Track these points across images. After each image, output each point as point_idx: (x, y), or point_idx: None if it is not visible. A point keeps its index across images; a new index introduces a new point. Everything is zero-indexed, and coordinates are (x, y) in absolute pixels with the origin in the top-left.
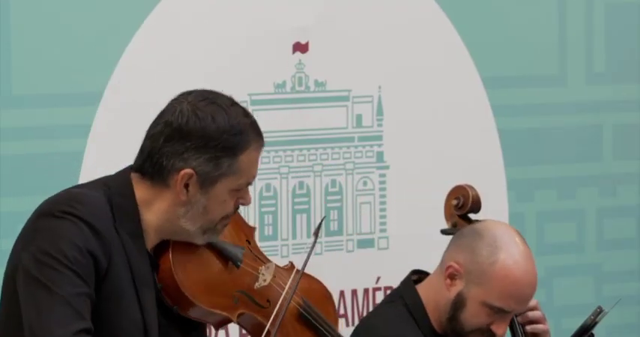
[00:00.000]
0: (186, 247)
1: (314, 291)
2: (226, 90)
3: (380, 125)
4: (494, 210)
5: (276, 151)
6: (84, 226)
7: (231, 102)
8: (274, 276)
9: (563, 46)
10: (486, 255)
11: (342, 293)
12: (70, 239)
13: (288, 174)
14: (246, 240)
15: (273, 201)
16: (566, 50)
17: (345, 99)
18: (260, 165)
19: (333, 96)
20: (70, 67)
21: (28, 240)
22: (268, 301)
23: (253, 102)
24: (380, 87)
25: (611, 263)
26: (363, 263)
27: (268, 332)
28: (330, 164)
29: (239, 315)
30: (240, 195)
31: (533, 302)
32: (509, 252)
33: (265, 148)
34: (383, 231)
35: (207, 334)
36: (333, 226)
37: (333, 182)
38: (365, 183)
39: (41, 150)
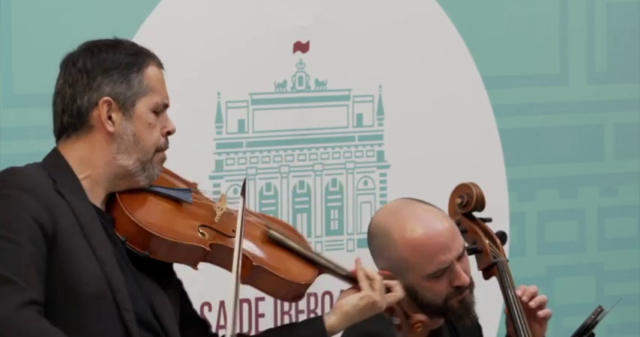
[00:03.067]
0: (134, 195)
1: (277, 223)
2: (227, 90)
3: (380, 124)
4: (495, 209)
5: (277, 150)
6: (22, 193)
7: (116, 38)
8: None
9: (564, 45)
10: (392, 247)
11: None
12: (8, 211)
13: (288, 174)
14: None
15: (273, 201)
16: (567, 49)
17: (346, 98)
18: (260, 165)
19: (334, 96)
20: None
21: None
22: (233, 230)
23: (254, 102)
24: (380, 87)
25: (613, 263)
26: (363, 263)
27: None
28: (331, 163)
29: (212, 245)
30: (163, 123)
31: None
32: (399, 227)
33: (266, 147)
34: None
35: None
36: (334, 225)
37: (334, 181)
38: (365, 183)
39: (41, 149)
